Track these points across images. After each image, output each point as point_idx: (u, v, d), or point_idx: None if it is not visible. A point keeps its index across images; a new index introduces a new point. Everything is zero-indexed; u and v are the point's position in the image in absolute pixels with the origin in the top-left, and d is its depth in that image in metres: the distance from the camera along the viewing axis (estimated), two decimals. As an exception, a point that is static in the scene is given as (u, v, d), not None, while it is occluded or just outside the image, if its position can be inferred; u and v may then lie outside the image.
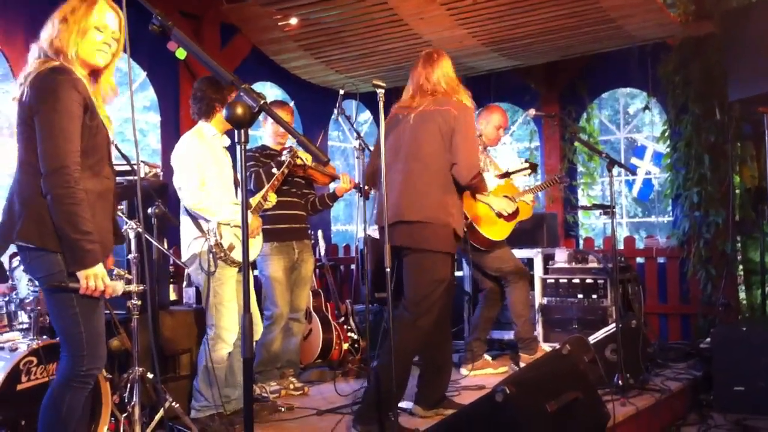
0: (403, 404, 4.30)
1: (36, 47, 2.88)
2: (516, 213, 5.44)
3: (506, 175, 4.98)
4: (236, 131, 2.23)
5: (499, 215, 5.31)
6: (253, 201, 4.51)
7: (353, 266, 7.70)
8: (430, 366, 4.38)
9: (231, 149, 4.58)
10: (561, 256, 6.32)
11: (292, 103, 7.17)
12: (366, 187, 4.83)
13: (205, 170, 4.28)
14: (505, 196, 5.39)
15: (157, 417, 3.88)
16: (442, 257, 4.07)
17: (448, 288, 4.19)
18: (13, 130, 2.85)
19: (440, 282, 4.08)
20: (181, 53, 2.38)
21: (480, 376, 5.39)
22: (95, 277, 2.75)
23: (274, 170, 4.73)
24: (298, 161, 5.07)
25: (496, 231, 5.35)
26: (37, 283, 3.50)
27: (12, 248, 4.34)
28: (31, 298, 3.74)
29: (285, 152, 4.82)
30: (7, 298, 3.86)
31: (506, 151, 10.02)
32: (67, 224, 2.70)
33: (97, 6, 2.88)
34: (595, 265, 6.13)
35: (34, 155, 2.75)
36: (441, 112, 4.08)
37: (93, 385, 2.93)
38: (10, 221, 2.81)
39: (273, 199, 4.64)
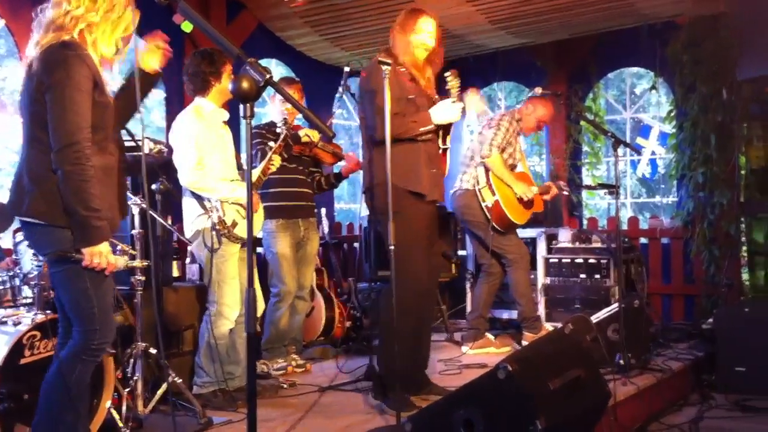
0: None
1: (53, 14, 2.77)
2: (532, 202, 5.59)
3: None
4: (242, 106, 2.21)
5: (520, 200, 5.48)
6: (252, 177, 4.45)
7: (356, 244, 7.71)
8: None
9: (233, 124, 4.54)
10: (564, 236, 6.31)
11: (298, 81, 7.12)
12: None
13: (203, 148, 4.22)
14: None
15: (160, 392, 3.89)
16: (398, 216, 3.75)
17: (425, 251, 4.02)
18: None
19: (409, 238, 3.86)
20: (187, 26, 2.36)
21: (481, 355, 5.40)
22: (99, 255, 2.75)
23: (272, 143, 4.66)
24: (305, 138, 5.03)
25: (519, 215, 5.50)
26: (42, 258, 3.50)
27: (15, 224, 4.35)
28: (35, 273, 3.74)
29: (279, 123, 4.70)
30: (11, 273, 3.86)
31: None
32: (76, 201, 2.68)
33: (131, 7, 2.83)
34: (598, 245, 6.12)
35: (43, 131, 2.72)
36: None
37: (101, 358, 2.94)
38: (18, 197, 2.78)
39: (277, 161, 4.47)
